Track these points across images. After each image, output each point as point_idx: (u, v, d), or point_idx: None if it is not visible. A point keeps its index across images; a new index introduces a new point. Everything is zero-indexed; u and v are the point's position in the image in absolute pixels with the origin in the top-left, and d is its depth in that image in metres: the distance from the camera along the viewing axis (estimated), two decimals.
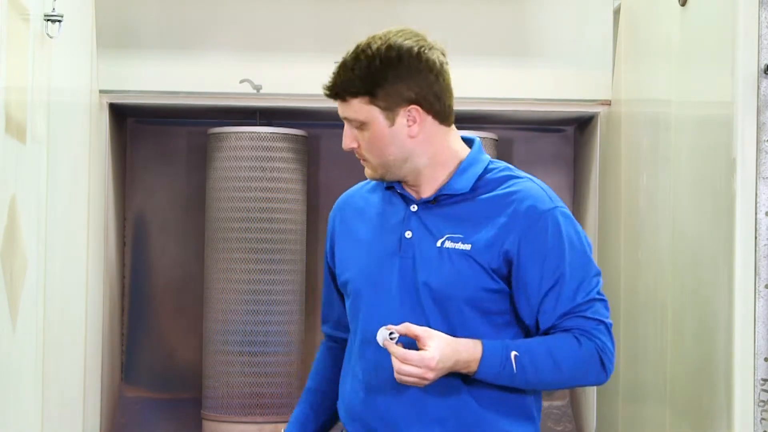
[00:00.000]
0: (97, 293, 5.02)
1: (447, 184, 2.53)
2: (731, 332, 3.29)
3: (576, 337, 2.46)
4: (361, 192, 2.67)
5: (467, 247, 2.47)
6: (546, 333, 2.49)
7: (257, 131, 5.29)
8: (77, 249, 4.61)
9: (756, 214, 3.27)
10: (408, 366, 2.37)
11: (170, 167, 5.74)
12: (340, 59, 2.52)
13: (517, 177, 2.55)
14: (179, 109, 5.42)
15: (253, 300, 5.22)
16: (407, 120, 2.49)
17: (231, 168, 5.28)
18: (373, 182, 2.64)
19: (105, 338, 5.20)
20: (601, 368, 2.48)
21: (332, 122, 5.62)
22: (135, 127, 5.73)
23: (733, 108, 3.31)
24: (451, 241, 2.49)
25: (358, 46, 2.50)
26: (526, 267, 2.47)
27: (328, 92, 2.53)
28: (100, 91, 5.09)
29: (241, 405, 5.22)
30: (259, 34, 5.34)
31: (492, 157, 2.61)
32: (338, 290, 2.70)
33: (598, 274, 2.51)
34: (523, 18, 5.39)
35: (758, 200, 3.26)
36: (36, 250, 3.72)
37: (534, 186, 2.53)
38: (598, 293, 2.50)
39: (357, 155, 2.53)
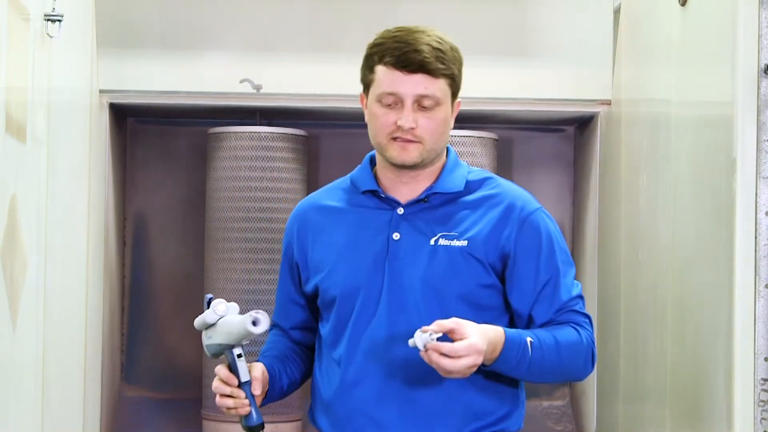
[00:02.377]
0: (97, 293, 5.02)
1: (437, 183, 2.57)
2: (731, 332, 3.29)
3: (575, 329, 2.54)
4: (328, 197, 2.69)
5: (464, 243, 2.52)
6: (542, 327, 2.55)
7: (257, 131, 5.29)
8: (77, 249, 4.61)
9: (756, 214, 3.27)
10: (460, 360, 2.34)
11: (170, 167, 5.74)
12: (405, 36, 2.54)
13: (496, 179, 2.64)
14: (179, 109, 5.42)
15: (253, 300, 5.22)
16: (453, 111, 2.58)
17: (231, 168, 5.28)
18: (336, 189, 2.67)
19: (105, 338, 5.20)
20: (590, 360, 2.56)
21: (332, 122, 5.63)
22: (135, 127, 5.73)
23: (733, 108, 3.31)
24: (446, 239, 2.52)
25: (425, 32, 2.54)
26: (522, 263, 2.53)
27: (414, 68, 2.51)
28: (100, 91, 5.09)
29: None
30: (259, 34, 5.33)
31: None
32: (303, 296, 2.70)
33: (575, 276, 2.63)
34: (523, 18, 5.39)
35: (758, 200, 3.26)
36: (36, 250, 3.72)
37: (516, 187, 2.63)
38: (580, 290, 2.60)
39: (403, 137, 2.52)
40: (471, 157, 5.13)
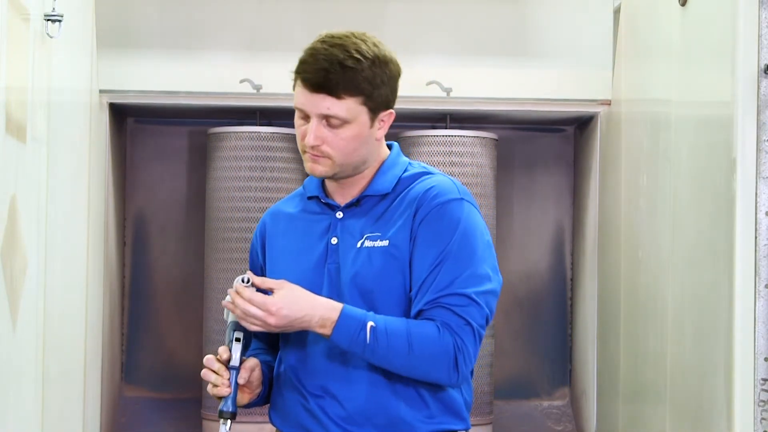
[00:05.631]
0: (97, 293, 5.03)
1: (369, 186, 2.56)
2: (731, 332, 3.29)
3: (437, 327, 2.45)
4: (287, 205, 2.69)
5: (385, 243, 2.50)
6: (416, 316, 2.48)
7: (257, 131, 5.29)
8: (77, 249, 4.61)
9: (756, 214, 3.27)
10: (252, 307, 2.40)
11: (170, 167, 5.75)
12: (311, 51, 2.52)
13: (430, 173, 2.58)
14: (179, 109, 5.42)
15: None
16: (380, 123, 2.52)
17: (231, 168, 5.28)
18: (296, 195, 2.68)
19: (105, 338, 5.20)
20: (453, 366, 2.46)
21: None
22: (135, 126, 5.74)
23: (733, 108, 3.31)
24: (371, 240, 2.52)
25: (344, 45, 2.49)
26: (417, 248, 2.48)
27: (316, 87, 2.50)
28: (100, 91, 5.09)
29: None
30: (259, 34, 5.34)
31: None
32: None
33: (488, 279, 2.49)
34: (523, 18, 5.39)
35: (758, 200, 3.27)
36: (36, 250, 3.73)
37: (445, 179, 2.55)
38: (478, 295, 2.46)
39: (311, 152, 2.52)
40: (471, 157, 5.13)
